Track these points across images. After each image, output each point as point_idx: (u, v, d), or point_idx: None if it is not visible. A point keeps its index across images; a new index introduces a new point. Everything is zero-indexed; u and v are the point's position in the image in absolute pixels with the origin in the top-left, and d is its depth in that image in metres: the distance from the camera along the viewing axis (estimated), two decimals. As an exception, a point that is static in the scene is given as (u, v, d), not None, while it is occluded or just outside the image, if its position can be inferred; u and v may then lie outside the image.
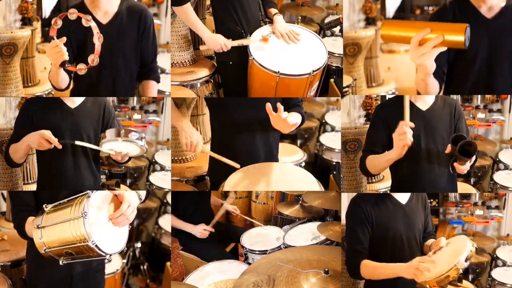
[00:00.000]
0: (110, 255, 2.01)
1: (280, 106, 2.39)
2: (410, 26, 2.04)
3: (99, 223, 1.99)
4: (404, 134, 2.18)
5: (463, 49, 1.98)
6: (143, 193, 2.30)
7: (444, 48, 2.00)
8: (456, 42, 1.95)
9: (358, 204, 2.38)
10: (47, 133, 2.31)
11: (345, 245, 2.51)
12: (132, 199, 2.09)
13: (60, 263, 2.01)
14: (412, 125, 2.19)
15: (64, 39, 2.28)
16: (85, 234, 1.92)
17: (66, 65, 2.32)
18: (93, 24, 2.30)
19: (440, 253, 2.15)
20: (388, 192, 2.56)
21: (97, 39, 2.30)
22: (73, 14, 2.31)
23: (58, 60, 2.28)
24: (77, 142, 2.35)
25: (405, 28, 2.04)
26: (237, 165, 2.56)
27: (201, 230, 3.15)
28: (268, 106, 2.39)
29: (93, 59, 2.31)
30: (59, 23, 2.30)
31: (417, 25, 2.02)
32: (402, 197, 2.42)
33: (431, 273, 2.06)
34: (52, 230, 1.98)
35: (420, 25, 2.02)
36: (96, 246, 1.94)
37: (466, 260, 2.05)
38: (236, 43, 2.79)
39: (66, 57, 2.28)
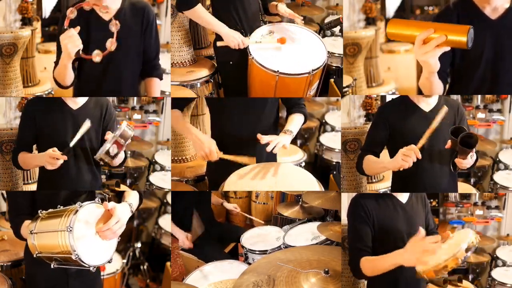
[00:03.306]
0: (94, 267, 2.07)
1: (263, 138, 2.50)
2: (415, 26, 2.08)
3: (86, 236, 2.04)
4: (408, 158, 2.21)
5: (468, 50, 2.00)
6: (135, 201, 2.30)
7: (447, 48, 2.02)
8: (459, 42, 1.98)
9: (359, 202, 2.38)
10: (52, 151, 2.32)
11: (347, 245, 2.50)
12: (122, 214, 2.10)
13: (52, 267, 2.06)
14: (419, 156, 2.22)
15: (78, 28, 2.31)
16: (69, 247, 1.98)
17: (80, 53, 2.34)
18: (108, 11, 2.37)
19: (443, 245, 2.13)
20: (388, 191, 2.56)
21: (114, 26, 2.35)
22: (89, 5, 2.39)
23: (74, 49, 2.31)
24: (71, 144, 2.37)
25: (410, 27, 2.08)
26: (253, 161, 2.57)
27: (181, 241, 3.10)
28: (259, 136, 2.50)
29: (111, 45, 2.34)
30: (75, 13, 2.35)
31: (422, 25, 2.05)
32: (402, 197, 2.42)
33: (432, 261, 2.04)
34: (43, 237, 2.06)
35: (425, 25, 2.05)
36: (79, 259, 2.00)
37: (467, 251, 2.02)
38: (254, 42, 2.79)
39: (81, 45, 2.31)
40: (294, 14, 2.90)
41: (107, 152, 2.27)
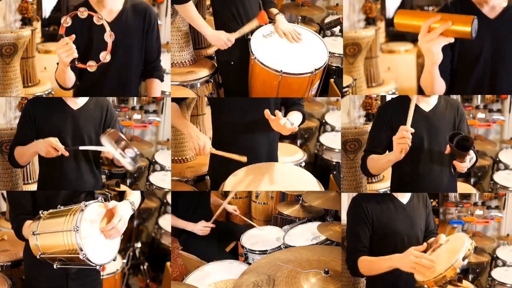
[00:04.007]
0: (100, 265, 2.07)
1: (278, 113, 2.42)
2: (422, 16, 2.13)
3: (91, 236, 2.03)
4: (403, 139, 2.22)
5: (467, 50, 2.02)
6: (137, 200, 2.30)
7: (451, 39, 2.06)
8: (463, 32, 2.03)
9: (358, 203, 2.39)
10: (54, 141, 2.32)
11: (346, 244, 2.50)
12: (123, 212, 2.10)
13: (55, 267, 2.05)
14: (412, 130, 2.23)
15: (73, 36, 2.30)
16: (76, 247, 1.98)
17: (76, 63, 2.33)
18: (104, 22, 2.34)
19: (439, 251, 2.14)
20: (388, 192, 2.56)
21: (109, 37, 2.34)
22: (83, 12, 2.35)
23: (68, 57, 2.30)
24: (81, 147, 2.37)
25: (417, 17, 2.13)
26: (244, 159, 2.55)
27: (201, 227, 3.14)
28: (267, 112, 2.42)
29: (105, 56, 2.34)
30: (69, 21, 2.33)
31: (429, 15, 2.11)
32: (403, 197, 2.42)
33: (428, 274, 2.06)
34: (47, 237, 2.04)
35: (431, 15, 2.10)
36: (87, 258, 1.99)
37: (464, 259, 2.04)
38: (238, 33, 2.79)
39: (76, 55, 2.31)
40: (288, 35, 2.85)
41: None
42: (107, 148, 2.27)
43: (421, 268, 2.05)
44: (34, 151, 2.42)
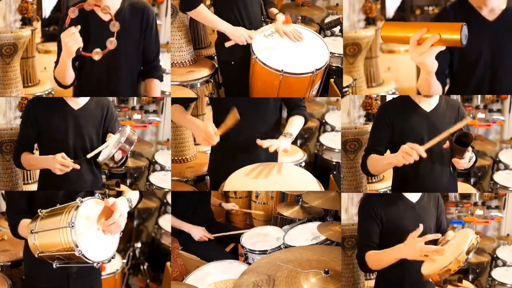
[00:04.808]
0: (98, 263, 2.05)
1: (260, 142, 2.50)
2: (409, 27, 2.07)
3: (88, 232, 2.03)
4: (410, 156, 2.20)
5: (466, 52, 2.00)
6: (134, 197, 2.30)
7: (443, 48, 2.02)
8: (453, 40, 1.98)
9: (367, 201, 2.41)
10: (61, 158, 2.32)
11: (347, 245, 2.51)
12: (123, 208, 2.11)
13: (54, 266, 2.05)
14: (424, 155, 2.20)
15: (79, 27, 2.31)
16: (71, 243, 1.97)
17: (81, 51, 2.34)
18: (109, 13, 2.37)
19: (446, 246, 2.15)
20: (388, 191, 2.56)
21: (113, 26, 2.35)
22: (90, 5, 2.39)
23: (75, 46, 2.31)
24: (88, 156, 2.38)
25: (404, 29, 2.08)
26: (235, 113, 2.52)
27: (201, 235, 3.14)
28: (258, 141, 2.50)
29: (112, 42, 2.35)
30: (76, 12, 2.35)
31: (416, 26, 2.05)
32: (413, 196, 2.43)
33: (436, 264, 2.07)
34: (44, 236, 2.04)
35: (418, 25, 2.05)
36: (83, 255, 1.99)
37: (468, 253, 2.05)
38: (259, 31, 2.79)
39: (81, 43, 2.32)
40: (289, 35, 2.83)
41: (112, 158, 2.27)
42: (109, 143, 2.28)
43: (432, 254, 2.06)
44: (45, 167, 2.42)
